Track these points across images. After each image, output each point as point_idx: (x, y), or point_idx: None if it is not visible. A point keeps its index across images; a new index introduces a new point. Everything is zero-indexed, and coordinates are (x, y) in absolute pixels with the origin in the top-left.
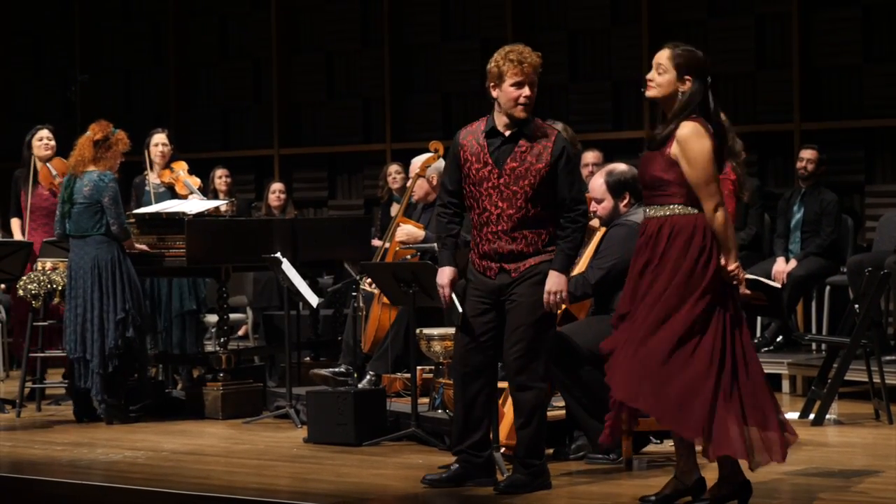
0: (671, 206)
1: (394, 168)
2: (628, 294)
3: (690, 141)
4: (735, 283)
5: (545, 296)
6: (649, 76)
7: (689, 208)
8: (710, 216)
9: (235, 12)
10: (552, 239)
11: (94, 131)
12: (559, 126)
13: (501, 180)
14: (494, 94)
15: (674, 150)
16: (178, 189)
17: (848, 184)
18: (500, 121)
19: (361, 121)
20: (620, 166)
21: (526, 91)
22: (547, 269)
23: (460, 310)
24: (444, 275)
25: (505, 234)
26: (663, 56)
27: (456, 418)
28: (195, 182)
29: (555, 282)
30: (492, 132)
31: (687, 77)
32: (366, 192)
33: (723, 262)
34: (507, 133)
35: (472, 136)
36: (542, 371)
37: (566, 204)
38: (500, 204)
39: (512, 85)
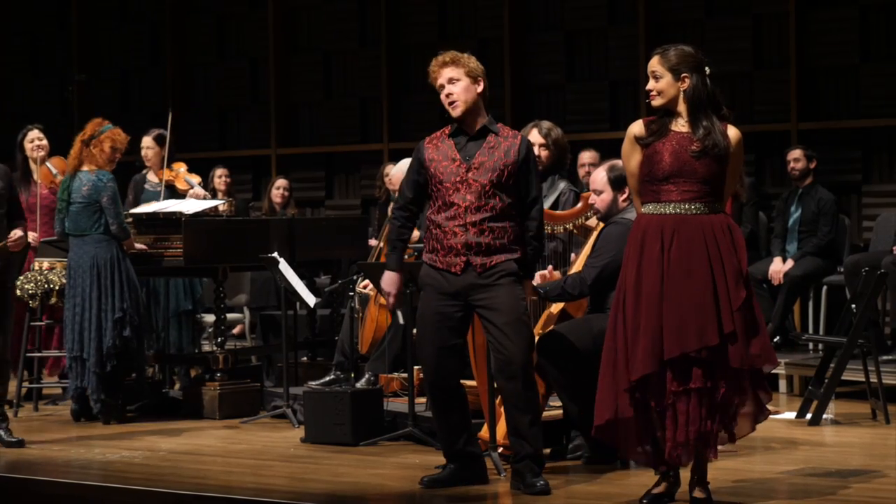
0: (716, 205)
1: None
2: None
3: (741, 144)
4: None
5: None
6: (649, 87)
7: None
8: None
9: (233, 12)
10: (518, 237)
11: (83, 130)
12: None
13: (469, 174)
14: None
15: (733, 151)
16: (178, 185)
17: (845, 184)
18: (464, 123)
19: (359, 120)
20: (622, 162)
21: (446, 90)
22: (512, 268)
23: (401, 321)
24: (393, 280)
25: (473, 227)
26: (654, 63)
27: (438, 427)
28: (195, 178)
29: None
30: (457, 132)
31: (684, 75)
32: (363, 192)
33: None
34: (473, 132)
35: (436, 140)
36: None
37: (528, 202)
38: (468, 197)
39: (438, 88)
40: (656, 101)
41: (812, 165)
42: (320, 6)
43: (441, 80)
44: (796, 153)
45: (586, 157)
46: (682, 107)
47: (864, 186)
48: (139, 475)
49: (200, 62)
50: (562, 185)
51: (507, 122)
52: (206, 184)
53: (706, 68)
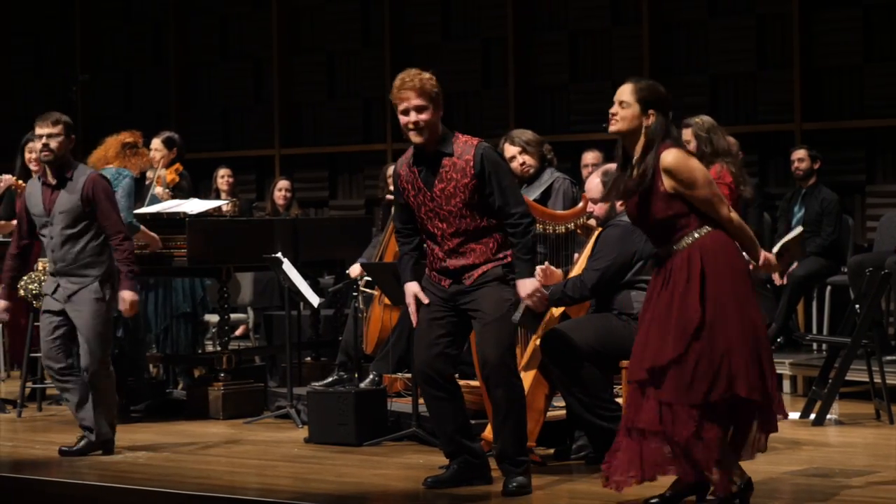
0: (692, 235)
1: (392, 170)
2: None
3: (681, 166)
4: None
5: (527, 301)
6: (612, 111)
7: (706, 228)
8: (726, 221)
9: (236, 12)
10: (501, 245)
11: (125, 135)
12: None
13: (434, 203)
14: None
15: (667, 184)
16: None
17: (849, 184)
18: (423, 149)
19: (362, 121)
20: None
21: (412, 117)
22: (498, 273)
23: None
24: (410, 290)
25: (453, 252)
26: (626, 91)
27: (434, 421)
28: (169, 175)
29: (527, 286)
30: (418, 158)
31: (651, 111)
32: (367, 192)
33: (758, 259)
34: (429, 158)
35: (405, 164)
36: (515, 366)
37: (504, 212)
38: (440, 225)
39: (400, 113)
40: (614, 126)
41: (816, 166)
42: (324, 6)
43: (406, 105)
44: (800, 153)
45: (589, 157)
46: (638, 142)
47: (867, 186)
48: (142, 475)
49: (204, 62)
50: (556, 174)
51: (510, 123)
52: (209, 184)
53: (669, 113)
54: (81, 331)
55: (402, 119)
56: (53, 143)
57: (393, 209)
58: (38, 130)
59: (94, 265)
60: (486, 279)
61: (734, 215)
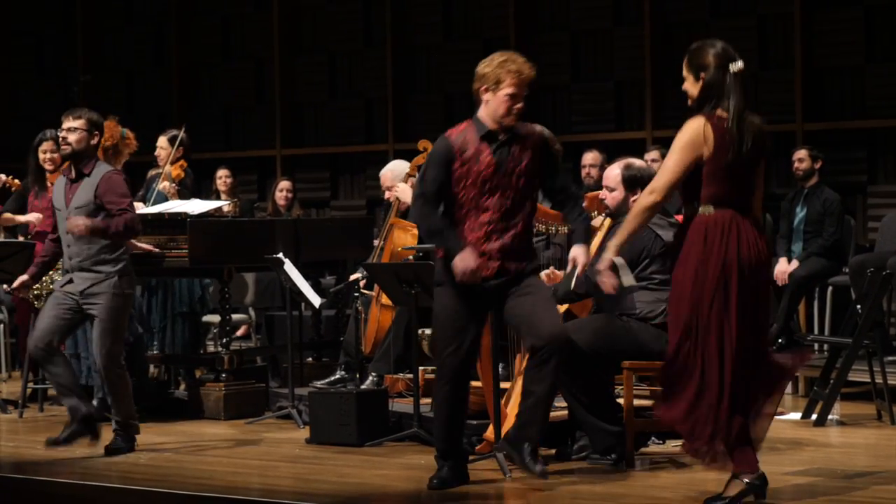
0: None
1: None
2: None
3: (681, 131)
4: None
5: (581, 269)
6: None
7: (705, 207)
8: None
9: (238, 13)
10: (532, 229)
11: (104, 138)
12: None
13: (506, 179)
14: (485, 97)
15: None
16: (163, 182)
17: (850, 184)
18: (492, 123)
19: (364, 121)
20: (639, 162)
21: (520, 104)
22: (537, 264)
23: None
24: (471, 257)
25: (506, 232)
26: (684, 64)
27: (441, 422)
28: (174, 170)
29: (582, 252)
30: (488, 135)
31: (701, 75)
32: (368, 193)
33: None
34: (502, 136)
35: (464, 138)
36: None
37: (567, 192)
38: (503, 202)
39: (508, 95)
40: (690, 102)
41: (817, 165)
42: (325, 6)
43: (521, 93)
44: (801, 153)
45: (589, 158)
46: None
47: (869, 187)
48: (144, 476)
49: (205, 62)
50: None
51: None
52: (211, 185)
53: (730, 65)
54: (98, 322)
55: (509, 101)
56: (72, 137)
57: (425, 178)
58: (63, 124)
59: (110, 262)
60: (529, 269)
61: (646, 198)
